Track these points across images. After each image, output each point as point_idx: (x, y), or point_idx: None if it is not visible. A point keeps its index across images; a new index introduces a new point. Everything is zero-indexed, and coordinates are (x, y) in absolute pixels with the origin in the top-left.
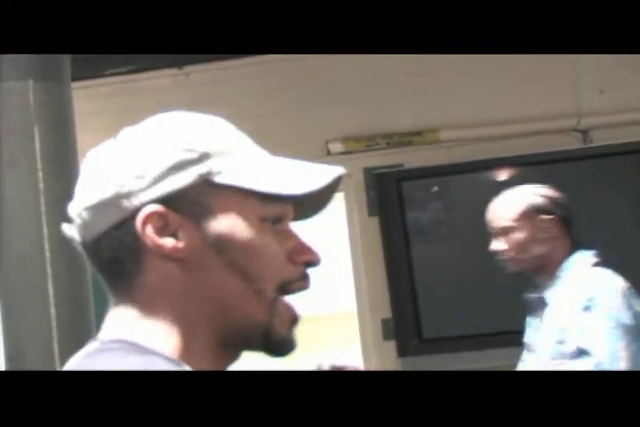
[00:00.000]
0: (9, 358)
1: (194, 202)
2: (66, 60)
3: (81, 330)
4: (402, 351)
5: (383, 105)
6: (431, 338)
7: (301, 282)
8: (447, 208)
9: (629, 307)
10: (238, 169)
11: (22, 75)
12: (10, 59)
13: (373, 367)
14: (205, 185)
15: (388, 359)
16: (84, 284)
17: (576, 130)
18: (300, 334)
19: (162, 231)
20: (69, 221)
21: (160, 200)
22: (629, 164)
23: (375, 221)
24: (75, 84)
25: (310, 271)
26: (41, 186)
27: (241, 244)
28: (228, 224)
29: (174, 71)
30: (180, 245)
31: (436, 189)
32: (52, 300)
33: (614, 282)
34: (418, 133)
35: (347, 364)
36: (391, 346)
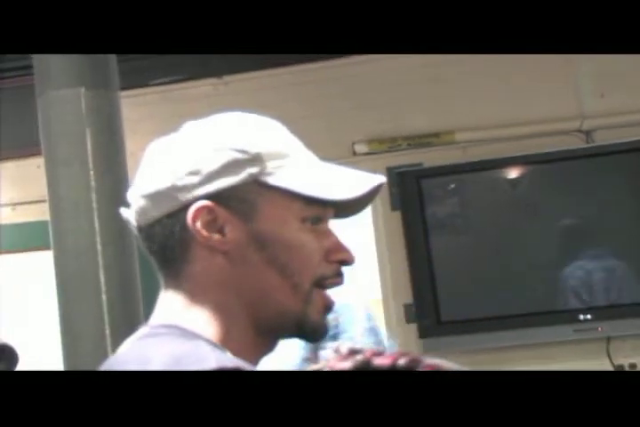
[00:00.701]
0: (64, 341)
1: (242, 199)
2: (114, 69)
3: (129, 315)
4: (422, 333)
5: (404, 110)
6: (448, 321)
7: (336, 279)
8: (462, 203)
9: (372, 333)
10: (287, 172)
11: (75, 83)
12: (63, 68)
13: (397, 348)
14: (255, 185)
15: (410, 340)
16: (133, 273)
17: (579, 131)
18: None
19: (210, 225)
20: (127, 205)
21: (211, 196)
22: (630, 162)
23: (397, 215)
24: (123, 93)
25: (344, 269)
26: (92, 184)
27: (282, 242)
28: (271, 223)
29: (214, 80)
30: (226, 238)
31: (452, 186)
32: (103, 287)
33: (357, 309)
34: (435, 135)
35: (364, 348)
36: (413, 328)
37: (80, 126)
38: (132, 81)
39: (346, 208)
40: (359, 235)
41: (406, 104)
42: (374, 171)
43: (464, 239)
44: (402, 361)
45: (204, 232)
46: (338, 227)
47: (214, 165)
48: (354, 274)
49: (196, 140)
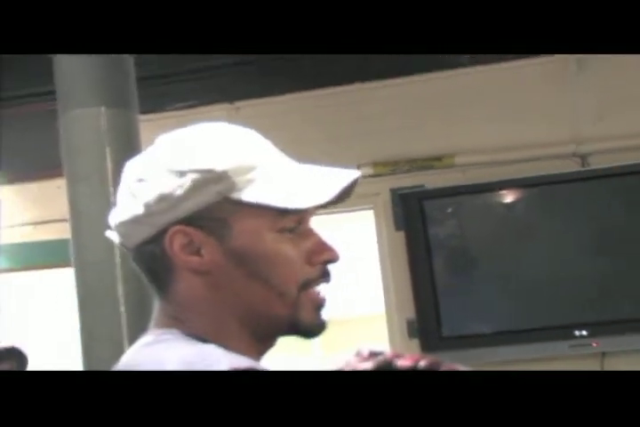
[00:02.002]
0: (85, 352)
1: (215, 218)
2: (133, 89)
3: (146, 325)
4: (424, 348)
5: (406, 135)
6: (450, 336)
7: (321, 279)
8: (462, 223)
9: None
10: (256, 186)
11: (95, 102)
12: (84, 88)
13: None
14: (225, 202)
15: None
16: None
17: (575, 155)
18: (337, 333)
19: (187, 248)
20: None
21: (184, 219)
22: (624, 185)
23: (401, 234)
24: (142, 117)
25: (331, 267)
26: (111, 199)
27: (260, 255)
28: (246, 238)
29: (226, 106)
30: (204, 260)
31: (451, 208)
32: (121, 299)
33: None
34: (436, 158)
35: (384, 350)
36: (415, 343)
37: (100, 144)
38: (151, 106)
39: (324, 206)
40: (365, 253)
41: (409, 130)
42: (378, 192)
43: (465, 259)
44: (422, 363)
45: (183, 256)
46: (343, 245)
47: (181, 188)
48: (359, 291)
49: (163, 163)
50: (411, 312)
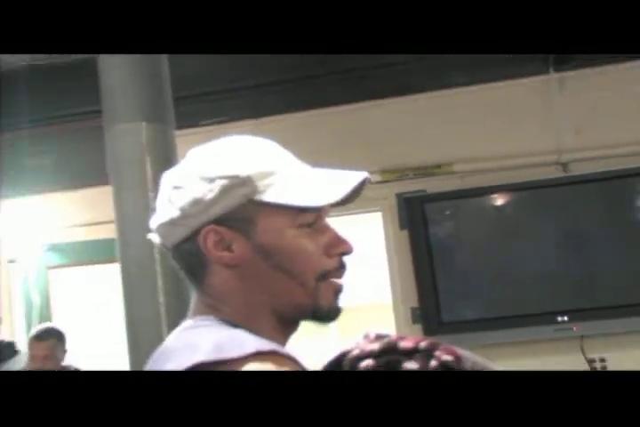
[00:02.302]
0: (129, 337)
1: (242, 218)
2: (170, 106)
3: (183, 314)
4: (426, 332)
5: (410, 146)
6: (448, 322)
7: (338, 270)
8: (460, 223)
9: None
10: (276, 188)
11: (137, 118)
12: (127, 105)
13: None
14: (250, 204)
15: None
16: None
17: (557, 163)
18: (351, 319)
19: (219, 245)
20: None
21: (215, 219)
22: (599, 189)
23: (405, 233)
24: (178, 132)
25: (346, 259)
26: (151, 203)
27: (282, 250)
28: (270, 235)
29: (252, 121)
30: (234, 255)
31: (449, 210)
32: (160, 291)
33: None
34: (437, 166)
35: (390, 333)
36: (418, 328)
37: (141, 155)
38: (186, 122)
39: (338, 204)
40: (374, 250)
41: (412, 141)
42: (386, 197)
43: (461, 254)
44: (423, 344)
45: (215, 252)
46: (356, 241)
47: (211, 193)
48: (369, 282)
49: (195, 172)
50: (414, 301)
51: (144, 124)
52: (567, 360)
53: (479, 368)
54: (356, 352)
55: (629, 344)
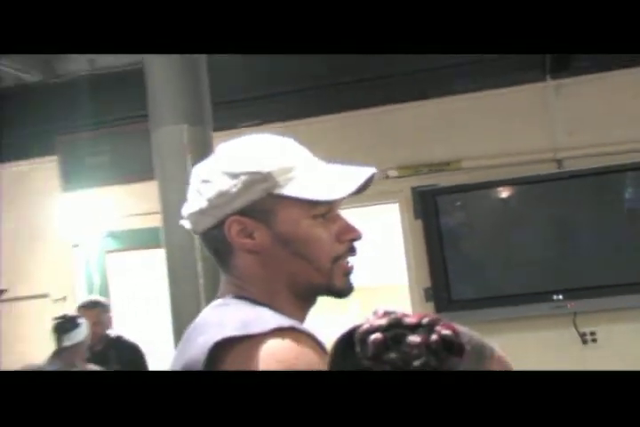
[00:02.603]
0: (173, 314)
1: (263, 210)
2: (209, 111)
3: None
4: (437, 309)
5: (423, 146)
6: (457, 300)
7: (349, 253)
8: (468, 214)
9: None
10: (294, 183)
11: (179, 121)
12: (170, 110)
13: None
14: (270, 197)
15: None
16: None
17: (552, 160)
18: (371, 298)
19: (242, 233)
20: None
21: (238, 210)
22: (590, 182)
23: (419, 222)
24: (216, 133)
25: (357, 244)
26: None
27: (299, 237)
28: (288, 225)
29: (283, 124)
30: (256, 242)
31: (457, 203)
32: (200, 274)
33: None
34: (447, 163)
35: (397, 310)
36: (430, 306)
37: (183, 153)
38: (224, 124)
39: (349, 196)
40: (392, 237)
41: (425, 141)
42: (402, 190)
43: (468, 241)
44: (425, 319)
45: (238, 239)
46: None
47: (235, 187)
48: (388, 265)
49: (222, 168)
50: (427, 282)
51: (186, 126)
52: (561, 334)
53: (474, 344)
54: (365, 327)
55: (617, 320)
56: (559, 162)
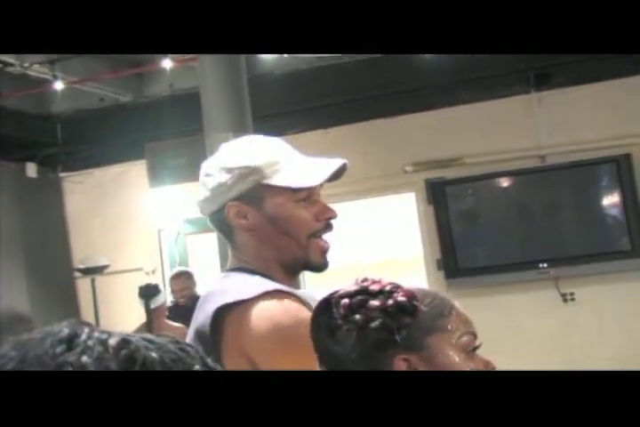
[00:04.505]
0: None
1: (254, 196)
2: (250, 122)
3: None
4: (447, 276)
5: (434, 146)
6: (463, 268)
7: (325, 230)
8: (469, 199)
9: None
10: (279, 174)
11: (225, 129)
12: (219, 120)
13: (433, 284)
14: (260, 186)
15: (440, 281)
16: None
17: (537, 156)
18: (391, 270)
19: (238, 215)
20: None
21: (235, 197)
22: (569, 174)
23: (432, 207)
24: None
25: (333, 222)
26: None
27: (284, 218)
28: (275, 208)
29: (321, 131)
30: (250, 222)
31: (463, 191)
32: None
33: None
34: (453, 160)
35: (383, 281)
36: (442, 273)
37: None
38: (267, 134)
39: (323, 183)
40: (410, 218)
41: (435, 143)
42: (417, 182)
43: (472, 221)
44: (387, 287)
45: (236, 220)
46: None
47: (231, 180)
48: (407, 241)
49: (220, 163)
50: (438, 254)
51: (231, 134)
52: (546, 295)
53: (434, 304)
54: (341, 292)
55: (593, 283)
56: (542, 157)
